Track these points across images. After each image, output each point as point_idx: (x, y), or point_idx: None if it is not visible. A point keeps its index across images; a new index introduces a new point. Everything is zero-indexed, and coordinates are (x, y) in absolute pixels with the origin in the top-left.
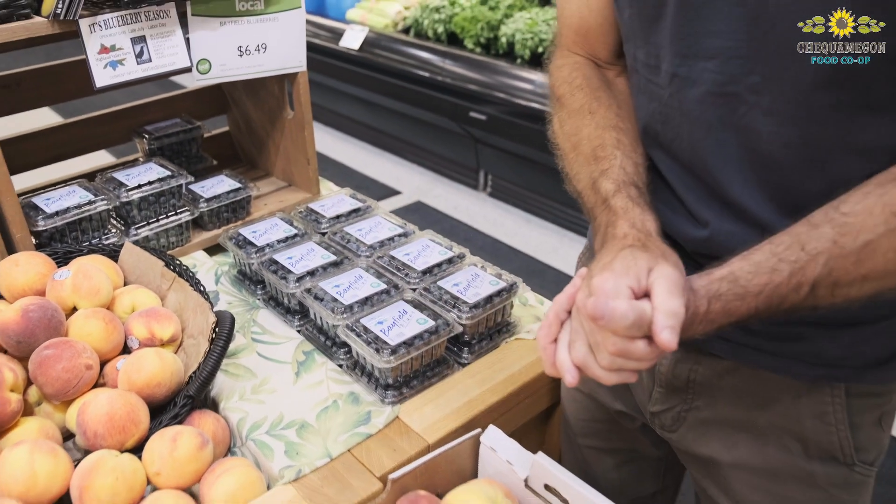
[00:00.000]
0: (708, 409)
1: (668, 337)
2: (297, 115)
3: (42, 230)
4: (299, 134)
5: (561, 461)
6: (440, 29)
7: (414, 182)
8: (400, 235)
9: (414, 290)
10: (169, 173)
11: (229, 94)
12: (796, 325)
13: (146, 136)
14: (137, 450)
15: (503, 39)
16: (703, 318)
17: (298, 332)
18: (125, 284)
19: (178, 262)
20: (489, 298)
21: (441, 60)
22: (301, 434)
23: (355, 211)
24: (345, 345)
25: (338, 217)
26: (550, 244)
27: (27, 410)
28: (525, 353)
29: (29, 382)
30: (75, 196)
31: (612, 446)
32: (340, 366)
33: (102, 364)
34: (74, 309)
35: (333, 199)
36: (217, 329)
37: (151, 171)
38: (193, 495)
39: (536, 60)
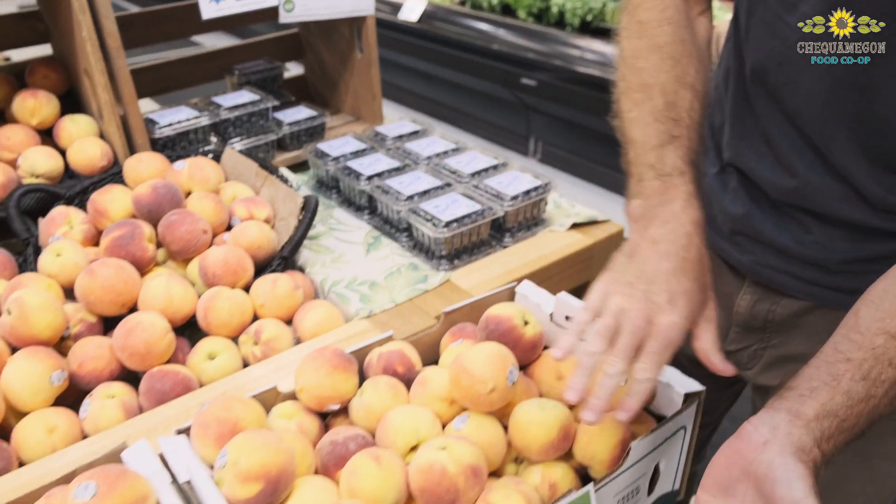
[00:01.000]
0: (784, 346)
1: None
2: (366, 55)
3: (157, 138)
4: (367, 72)
5: None
6: (495, 0)
7: None
8: (454, 150)
9: (464, 185)
10: (258, 98)
11: (305, 40)
12: (871, 263)
13: (236, 72)
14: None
15: (554, 9)
16: (821, 464)
17: (367, 223)
18: (226, 181)
19: (269, 163)
20: (527, 193)
21: (495, 30)
22: (372, 289)
23: (415, 133)
24: (406, 230)
25: (400, 136)
26: (598, 206)
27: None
28: (556, 241)
29: (157, 246)
30: (183, 113)
31: None
32: (403, 246)
33: (213, 237)
34: (188, 194)
35: (396, 125)
36: (304, 206)
37: (243, 97)
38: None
39: (585, 28)
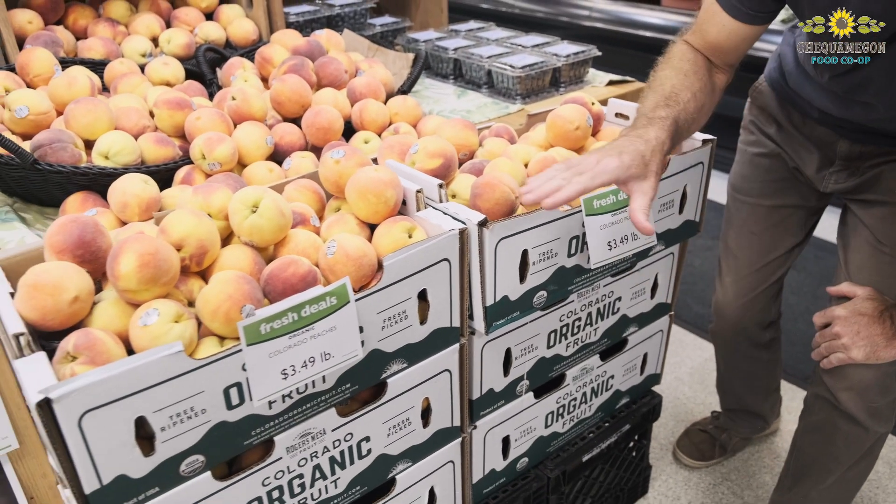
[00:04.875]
0: (874, 161)
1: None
2: None
3: (291, 23)
4: None
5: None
6: None
7: None
8: (515, 35)
9: (529, 51)
10: (358, 1)
11: None
12: None
13: None
14: None
15: None
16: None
17: (453, 84)
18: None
19: (377, 39)
20: (576, 53)
21: None
22: (468, 113)
23: (481, 27)
24: (486, 83)
25: (470, 30)
26: None
27: None
28: (597, 91)
29: None
30: (306, 7)
31: (777, 203)
32: (484, 94)
33: None
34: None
35: (465, 24)
36: (416, 59)
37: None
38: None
39: None
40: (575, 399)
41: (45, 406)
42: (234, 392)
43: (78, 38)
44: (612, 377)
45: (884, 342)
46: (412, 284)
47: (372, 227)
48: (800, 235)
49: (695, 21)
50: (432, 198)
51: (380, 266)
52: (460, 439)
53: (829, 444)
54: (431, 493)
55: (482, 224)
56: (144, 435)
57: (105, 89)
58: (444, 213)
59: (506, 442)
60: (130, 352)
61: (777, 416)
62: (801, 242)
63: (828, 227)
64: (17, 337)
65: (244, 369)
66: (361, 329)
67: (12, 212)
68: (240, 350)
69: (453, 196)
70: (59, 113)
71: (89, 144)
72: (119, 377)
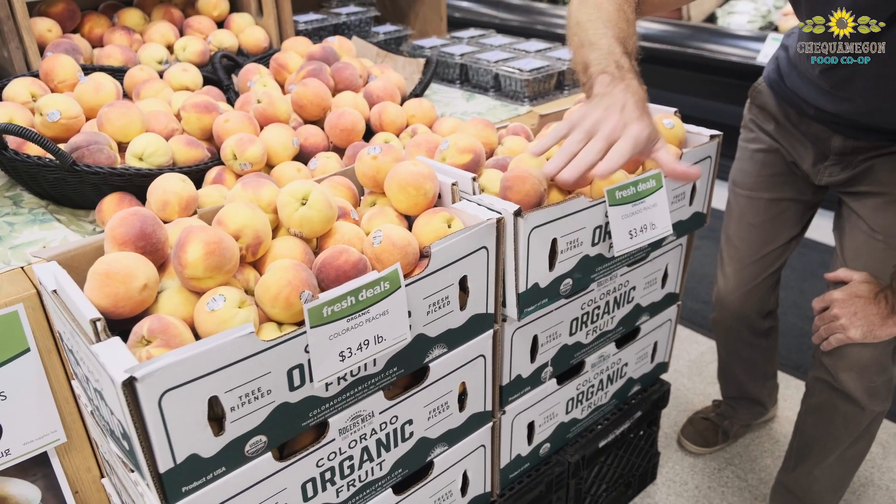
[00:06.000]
0: (867, 154)
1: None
2: None
3: (299, 31)
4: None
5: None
6: None
7: None
8: (516, 42)
9: (533, 55)
10: (365, 8)
11: None
12: None
13: (333, 1)
14: None
15: None
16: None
17: (460, 88)
18: None
19: (384, 46)
20: None
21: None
22: (479, 115)
23: (482, 35)
24: (493, 87)
25: (472, 37)
26: None
27: None
28: None
29: None
30: (313, 16)
31: (775, 196)
32: (491, 97)
33: None
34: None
35: (465, 31)
36: (427, 63)
37: (353, 8)
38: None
39: None
40: (593, 386)
41: (129, 386)
42: (296, 373)
43: (94, 46)
44: (626, 365)
45: (879, 321)
46: (455, 271)
47: (409, 220)
48: (796, 228)
49: None
50: (466, 190)
51: (423, 255)
52: (491, 424)
53: (828, 425)
54: (465, 477)
55: (517, 213)
56: (213, 416)
57: (125, 95)
58: (479, 205)
59: (531, 427)
60: (196, 337)
61: (774, 402)
62: (797, 235)
63: (812, 226)
64: (94, 322)
65: (307, 351)
66: (409, 314)
67: (48, 213)
68: (304, 332)
69: (482, 190)
70: (87, 117)
71: (122, 147)
72: (197, 357)
